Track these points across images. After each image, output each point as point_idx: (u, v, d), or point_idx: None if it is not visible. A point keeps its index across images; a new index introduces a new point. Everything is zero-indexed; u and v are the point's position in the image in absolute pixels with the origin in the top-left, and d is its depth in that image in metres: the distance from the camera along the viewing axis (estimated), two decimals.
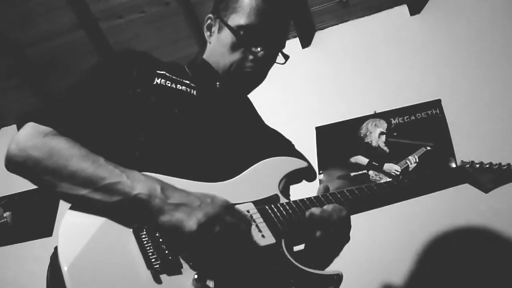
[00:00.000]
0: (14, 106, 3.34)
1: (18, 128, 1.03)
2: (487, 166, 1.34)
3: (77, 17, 2.86)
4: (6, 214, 3.05)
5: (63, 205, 0.98)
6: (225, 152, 1.18)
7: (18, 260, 2.80)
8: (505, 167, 1.36)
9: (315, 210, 1.07)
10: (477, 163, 1.35)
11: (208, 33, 1.34)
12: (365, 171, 2.25)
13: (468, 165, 1.35)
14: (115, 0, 2.81)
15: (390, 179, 2.16)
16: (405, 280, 1.92)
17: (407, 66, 2.44)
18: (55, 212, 2.85)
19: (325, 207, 1.08)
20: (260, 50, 1.24)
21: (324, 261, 1.12)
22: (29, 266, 2.71)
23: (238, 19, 1.25)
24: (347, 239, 1.10)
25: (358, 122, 2.40)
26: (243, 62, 1.25)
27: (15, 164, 0.99)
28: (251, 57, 1.25)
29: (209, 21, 1.34)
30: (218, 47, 1.28)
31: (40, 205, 2.92)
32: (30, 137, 0.99)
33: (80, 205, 0.95)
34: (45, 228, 2.83)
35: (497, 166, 1.35)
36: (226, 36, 1.26)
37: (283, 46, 1.34)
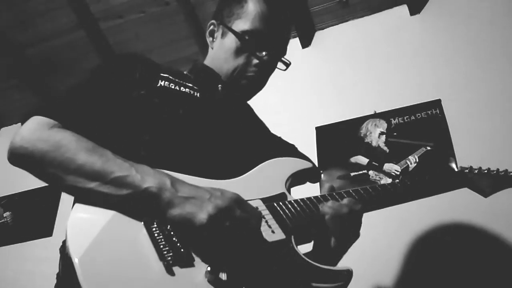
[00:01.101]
0: (14, 106, 3.35)
1: (22, 124, 1.02)
2: (486, 171, 1.37)
3: (77, 17, 2.86)
4: (6, 214, 3.05)
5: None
6: (230, 152, 1.18)
7: (18, 260, 2.80)
8: (502, 173, 1.38)
9: (330, 203, 1.09)
10: (475, 168, 1.37)
11: (211, 38, 1.35)
12: (365, 171, 2.25)
13: (467, 170, 1.37)
14: (115, 0, 2.81)
15: (391, 180, 2.16)
16: (403, 280, 1.92)
17: (407, 66, 2.44)
18: (55, 212, 2.85)
19: (341, 201, 1.10)
20: (265, 55, 1.25)
21: (332, 258, 1.13)
22: (29, 266, 2.71)
23: (242, 24, 1.26)
24: (356, 236, 1.11)
25: (358, 122, 2.40)
26: (247, 67, 1.26)
27: (19, 156, 0.97)
28: (255, 61, 1.26)
29: (211, 27, 1.35)
30: (222, 52, 1.29)
31: (40, 205, 2.92)
32: (35, 130, 0.97)
33: (87, 198, 0.94)
34: (45, 228, 2.83)
35: (495, 172, 1.38)
36: (230, 41, 1.27)
37: (285, 53, 1.35)
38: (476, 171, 1.36)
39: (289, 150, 1.40)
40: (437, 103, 2.26)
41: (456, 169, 2.02)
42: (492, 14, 2.38)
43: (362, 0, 2.69)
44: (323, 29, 2.85)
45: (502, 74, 2.20)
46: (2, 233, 2.98)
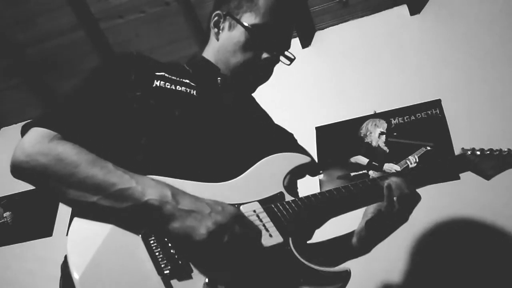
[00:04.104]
0: (14, 106, 3.34)
1: (22, 136, 1.02)
2: (488, 152, 1.34)
3: (77, 17, 2.86)
4: (6, 214, 3.05)
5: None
6: (228, 151, 1.18)
7: (18, 260, 2.80)
8: (506, 152, 1.35)
9: (396, 182, 1.13)
10: (478, 150, 1.34)
11: (216, 30, 1.33)
12: (365, 171, 2.25)
13: (469, 152, 1.34)
14: (115, 0, 2.81)
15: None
16: (403, 279, 1.92)
17: (407, 66, 2.44)
18: (55, 212, 2.85)
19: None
20: (274, 49, 1.27)
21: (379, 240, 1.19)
22: (29, 266, 2.71)
23: (253, 18, 1.25)
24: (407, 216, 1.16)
25: (358, 122, 2.40)
26: (256, 60, 1.26)
27: (22, 171, 0.98)
28: (264, 56, 1.26)
29: (216, 18, 1.33)
30: (230, 45, 1.28)
31: (40, 205, 2.92)
32: (35, 142, 0.97)
33: (88, 211, 0.94)
34: (45, 228, 2.83)
35: (497, 153, 1.35)
36: (239, 34, 1.26)
37: (289, 46, 1.35)
38: (478, 153, 1.33)
39: (288, 143, 1.39)
40: (437, 103, 2.26)
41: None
42: (492, 14, 2.38)
43: (362, 0, 2.68)
44: (323, 29, 2.84)
45: (502, 74, 2.19)
46: (2, 233, 2.98)
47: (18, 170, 0.98)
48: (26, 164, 0.96)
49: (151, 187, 0.94)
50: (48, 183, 0.96)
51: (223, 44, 1.30)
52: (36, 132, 0.99)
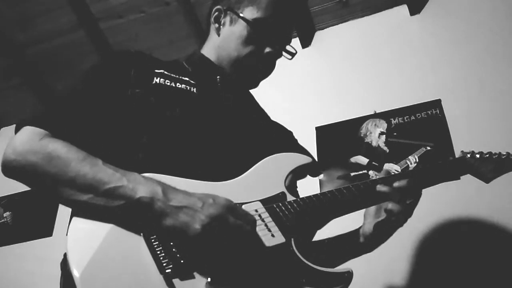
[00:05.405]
0: (14, 106, 3.35)
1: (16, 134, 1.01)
2: (487, 156, 1.34)
3: (77, 17, 2.86)
4: (6, 214, 3.05)
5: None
6: (229, 150, 1.17)
7: (18, 260, 2.80)
8: (505, 156, 1.35)
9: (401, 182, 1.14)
10: (477, 153, 1.34)
11: (217, 25, 1.32)
12: (365, 171, 2.25)
13: (469, 155, 1.34)
14: (115, 0, 2.81)
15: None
16: (406, 280, 1.92)
17: (407, 66, 2.44)
18: (55, 212, 2.85)
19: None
20: (277, 43, 1.26)
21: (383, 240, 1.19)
22: (29, 266, 2.71)
23: (254, 12, 1.25)
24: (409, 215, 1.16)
25: (358, 122, 2.40)
26: (258, 55, 1.26)
27: (12, 169, 0.97)
28: (267, 50, 1.25)
29: (217, 13, 1.32)
30: (231, 40, 1.27)
31: (40, 205, 2.92)
32: (26, 140, 0.96)
33: (83, 210, 0.93)
34: (45, 228, 2.83)
35: (496, 156, 1.35)
36: (241, 29, 1.25)
37: (290, 41, 1.35)
38: (478, 156, 1.33)
39: (289, 142, 1.39)
40: (437, 103, 2.26)
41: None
42: (492, 14, 2.38)
43: (362, 0, 2.68)
44: (323, 29, 2.84)
45: (502, 74, 2.19)
46: (2, 233, 2.98)
47: (9, 168, 0.97)
48: (17, 162, 0.95)
49: (142, 184, 0.92)
50: (39, 181, 0.95)
51: (224, 39, 1.29)
52: (27, 131, 0.99)
